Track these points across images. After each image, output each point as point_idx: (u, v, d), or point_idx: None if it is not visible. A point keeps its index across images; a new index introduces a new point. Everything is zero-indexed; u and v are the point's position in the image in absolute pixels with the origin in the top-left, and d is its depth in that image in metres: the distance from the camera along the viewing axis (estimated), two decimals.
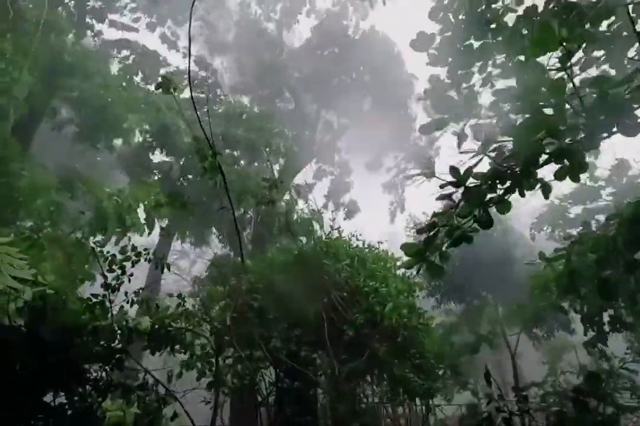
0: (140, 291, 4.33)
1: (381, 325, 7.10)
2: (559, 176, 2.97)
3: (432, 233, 3.25)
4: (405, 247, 3.27)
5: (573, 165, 2.88)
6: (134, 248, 4.14)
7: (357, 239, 8.40)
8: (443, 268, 3.19)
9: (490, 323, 6.40)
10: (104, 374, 3.53)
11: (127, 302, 4.08)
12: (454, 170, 3.16)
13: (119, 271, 3.94)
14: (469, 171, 3.14)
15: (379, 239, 8.52)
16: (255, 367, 5.61)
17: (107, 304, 3.64)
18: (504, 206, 3.13)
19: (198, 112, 4.69)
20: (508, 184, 3.13)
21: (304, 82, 17.06)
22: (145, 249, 4.33)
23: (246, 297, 6.24)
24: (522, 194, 3.10)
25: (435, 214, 3.37)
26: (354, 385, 7.06)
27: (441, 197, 3.35)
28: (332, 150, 17.77)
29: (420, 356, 7.46)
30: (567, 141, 2.88)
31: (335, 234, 8.08)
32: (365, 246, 8.16)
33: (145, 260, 4.38)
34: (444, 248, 3.20)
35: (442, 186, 3.27)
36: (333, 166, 18.05)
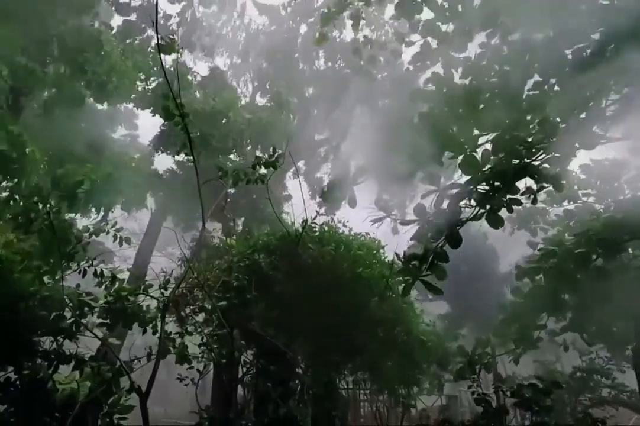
0: (94, 260, 4.22)
1: (364, 311, 7.03)
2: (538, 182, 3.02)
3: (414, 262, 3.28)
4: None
5: (554, 177, 2.91)
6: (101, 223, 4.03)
7: (344, 226, 8.30)
8: (441, 289, 3.31)
9: (479, 344, 6.39)
10: (54, 345, 3.44)
11: (79, 272, 3.98)
12: (418, 208, 3.25)
13: (74, 241, 3.84)
14: (422, 206, 3.22)
15: (367, 230, 8.43)
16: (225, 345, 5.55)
17: (59, 273, 3.53)
18: (495, 220, 3.10)
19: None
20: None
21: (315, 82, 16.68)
22: (104, 223, 4.23)
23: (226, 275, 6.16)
24: (509, 210, 3.12)
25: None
26: (331, 370, 7.03)
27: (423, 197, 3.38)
28: (333, 149, 17.36)
29: (405, 344, 7.37)
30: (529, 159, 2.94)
31: (321, 220, 7.99)
32: (351, 233, 8.06)
33: (105, 232, 4.28)
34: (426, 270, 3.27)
35: (402, 224, 3.42)
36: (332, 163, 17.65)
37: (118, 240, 4.46)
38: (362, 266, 7.33)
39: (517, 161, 2.86)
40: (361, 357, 7.36)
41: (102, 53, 7.82)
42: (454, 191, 2.98)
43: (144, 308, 4.24)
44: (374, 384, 8.03)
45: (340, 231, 8.03)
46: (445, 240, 3.00)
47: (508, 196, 2.91)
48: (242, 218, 12.58)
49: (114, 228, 4.44)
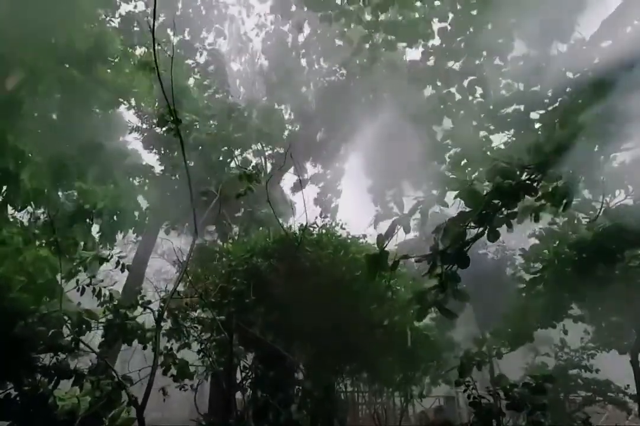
0: (92, 279, 4.20)
1: (364, 313, 7.03)
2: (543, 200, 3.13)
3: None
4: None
5: (552, 194, 2.93)
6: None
7: (342, 228, 8.29)
8: (454, 313, 3.51)
9: (476, 343, 6.46)
10: (54, 360, 3.42)
11: (77, 290, 3.96)
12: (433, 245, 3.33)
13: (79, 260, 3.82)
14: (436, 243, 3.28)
15: (364, 232, 8.43)
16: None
17: (57, 290, 3.51)
18: (493, 236, 3.21)
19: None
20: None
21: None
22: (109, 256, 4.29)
23: (224, 280, 6.14)
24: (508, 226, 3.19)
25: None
26: (331, 373, 7.06)
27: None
28: (331, 151, 17.12)
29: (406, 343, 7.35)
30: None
31: (320, 222, 7.98)
32: (349, 237, 8.05)
33: (108, 258, 4.30)
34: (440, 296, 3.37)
35: (418, 261, 3.55)
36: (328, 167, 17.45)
37: (120, 267, 4.45)
38: (361, 269, 7.33)
39: (514, 182, 2.91)
40: (361, 359, 7.39)
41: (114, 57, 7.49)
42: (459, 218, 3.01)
43: (144, 326, 4.22)
44: (373, 385, 8.06)
45: (339, 234, 8.03)
46: (454, 262, 3.05)
47: (506, 212, 2.96)
48: (239, 219, 12.52)
49: (117, 254, 4.45)
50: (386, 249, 3.37)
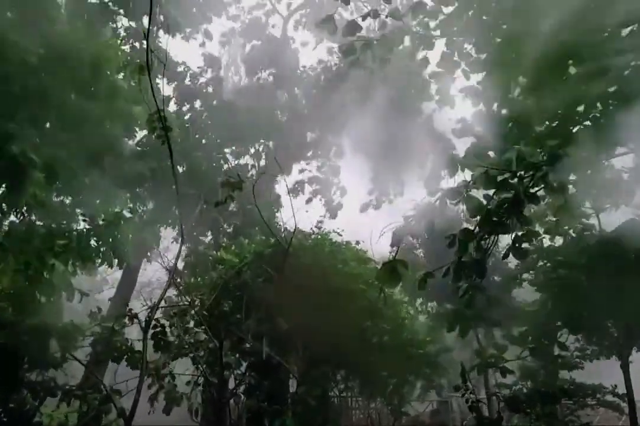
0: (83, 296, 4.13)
1: (359, 321, 7.00)
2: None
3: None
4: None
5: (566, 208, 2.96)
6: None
7: (339, 235, 8.24)
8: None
9: (494, 347, 6.48)
10: (41, 377, 3.35)
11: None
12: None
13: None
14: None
15: (357, 239, 8.41)
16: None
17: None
18: (519, 253, 3.27)
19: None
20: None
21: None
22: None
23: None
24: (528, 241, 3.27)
25: None
26: (325, 380, 7.02)
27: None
28: (326, 150, 16.90)
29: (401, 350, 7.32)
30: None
31: (315, 229, 7.95)
32: (344, 242, 8.02)
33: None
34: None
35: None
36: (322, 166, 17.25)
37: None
38: (354, 275, 7.30)
39: (513, 192, 2.89)
40: (355, 367, 7.35)
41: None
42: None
43: (132, 347, 4.14)
44: (365, 390, 8.02)
45: (334, 240, 7.98)
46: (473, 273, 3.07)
47: (525, 228, 2.99)
48: (234, 224, 12.39)
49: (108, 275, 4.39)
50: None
